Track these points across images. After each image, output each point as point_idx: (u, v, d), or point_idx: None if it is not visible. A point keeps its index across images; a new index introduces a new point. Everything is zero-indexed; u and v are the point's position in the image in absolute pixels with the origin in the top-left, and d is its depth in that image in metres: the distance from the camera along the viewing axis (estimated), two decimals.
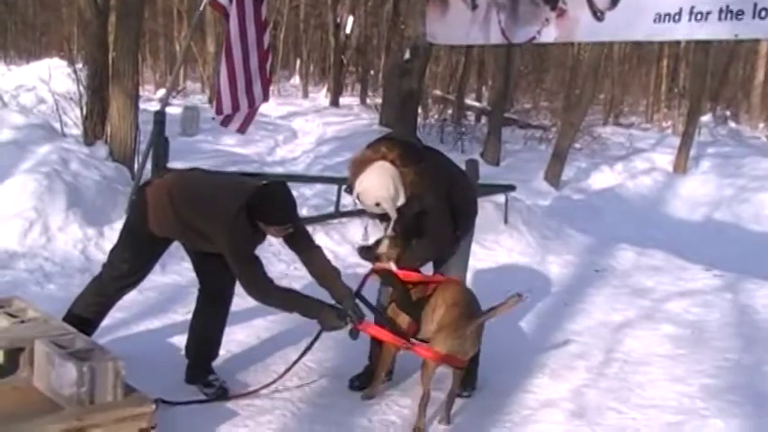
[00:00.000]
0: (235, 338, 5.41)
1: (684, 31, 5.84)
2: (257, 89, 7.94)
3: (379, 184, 4.49)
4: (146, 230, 4.57)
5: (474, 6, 7.25)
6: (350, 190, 4.73)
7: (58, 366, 3.66)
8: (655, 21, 5.83)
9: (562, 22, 6.56)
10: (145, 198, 4.60)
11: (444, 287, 4.68)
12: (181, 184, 4.63)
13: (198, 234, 4.44)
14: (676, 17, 5.66)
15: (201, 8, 8.12)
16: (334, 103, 30.51)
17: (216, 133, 17.12)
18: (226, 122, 8.01)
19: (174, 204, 4.46)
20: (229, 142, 17.22)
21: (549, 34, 6.77)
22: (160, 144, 7.58)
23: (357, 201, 4.69)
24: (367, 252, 4.82)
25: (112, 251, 4.78)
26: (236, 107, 7.83)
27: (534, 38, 6.89)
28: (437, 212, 4.64)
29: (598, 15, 6.12)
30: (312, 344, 4.77)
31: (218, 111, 7.80)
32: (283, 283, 6.96)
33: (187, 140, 16.60)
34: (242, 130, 8.24)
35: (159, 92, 24.65)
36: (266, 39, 7.91)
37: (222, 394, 4.63)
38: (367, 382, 4.93)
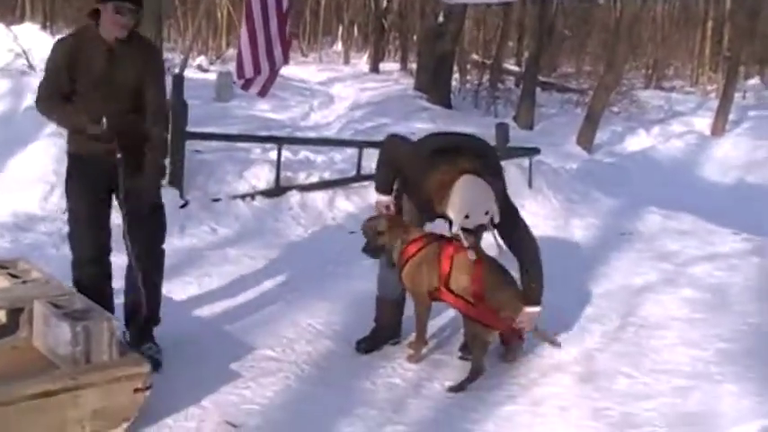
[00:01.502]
0: (244, 303, 5.45)
1: None
2: (277, 52, 7.91)
3: (483, 191, 4.30)
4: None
5: None
6: (438, 216, 4.58)
7: (54, 326, 3.69)
8: None
9: None
10: None
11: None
12: None
13: None
14: None
15: None
16: (374, 68, 30.31)
17: (250, 99, 17.03)
18: (247, 86, 8.01)
19: None
20: (263, 107, 17.14)
21: None
22: (179, 108, 7.54)
23: (460, 221, 4.33)
24: (371, 242, 4.79)
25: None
26: (257, 71, 7.83)
27: None
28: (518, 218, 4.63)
29: None
30: None
31: (240, 75, 7.81)
32: (301, 246, 6.99)
33: (222, 106, 16.61)
34: (262, 93, 8.23)
35: (199, 58, 24.69)
36: (285, 1, 7.86)
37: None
38: (373, 344, 4.92)
